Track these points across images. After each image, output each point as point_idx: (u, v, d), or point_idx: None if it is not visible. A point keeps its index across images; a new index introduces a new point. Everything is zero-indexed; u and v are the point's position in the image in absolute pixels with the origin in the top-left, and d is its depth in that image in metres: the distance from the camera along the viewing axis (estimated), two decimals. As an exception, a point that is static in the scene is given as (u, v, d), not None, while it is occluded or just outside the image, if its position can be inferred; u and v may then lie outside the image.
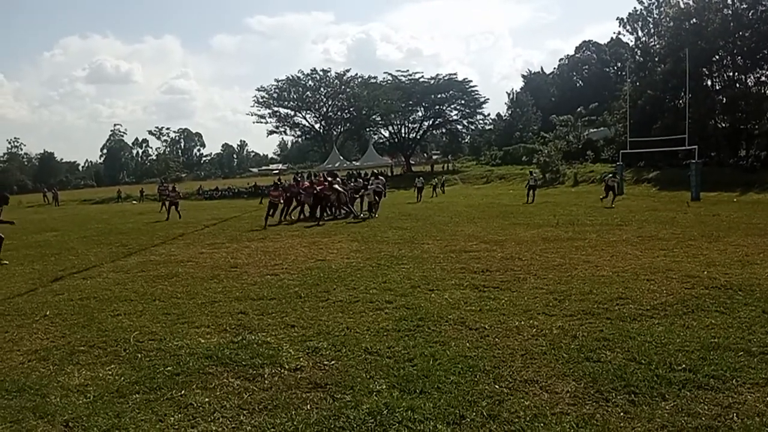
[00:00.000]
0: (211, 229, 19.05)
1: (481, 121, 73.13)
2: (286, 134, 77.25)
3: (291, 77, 68.44)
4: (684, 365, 4.94)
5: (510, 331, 6.12)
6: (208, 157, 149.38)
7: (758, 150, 34.92)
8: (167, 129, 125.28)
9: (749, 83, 38.04)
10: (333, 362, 5.36)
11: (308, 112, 70.83)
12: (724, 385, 4.56)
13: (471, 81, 71.04)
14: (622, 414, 4.14)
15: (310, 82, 68.73)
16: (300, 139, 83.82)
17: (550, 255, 10.91)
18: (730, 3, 37.38)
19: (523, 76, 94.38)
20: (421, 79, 68.22)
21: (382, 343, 5.80)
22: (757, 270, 8.95)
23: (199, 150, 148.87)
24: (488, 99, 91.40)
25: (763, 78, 38.13)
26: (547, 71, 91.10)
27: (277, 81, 69.05)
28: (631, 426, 3.96)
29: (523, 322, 6.40)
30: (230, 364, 5.37)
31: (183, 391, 4.79)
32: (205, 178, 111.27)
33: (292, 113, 70.91)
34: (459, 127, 73.15)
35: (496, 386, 4.67)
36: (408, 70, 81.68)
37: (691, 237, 12.94)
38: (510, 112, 77.28)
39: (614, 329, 6.01)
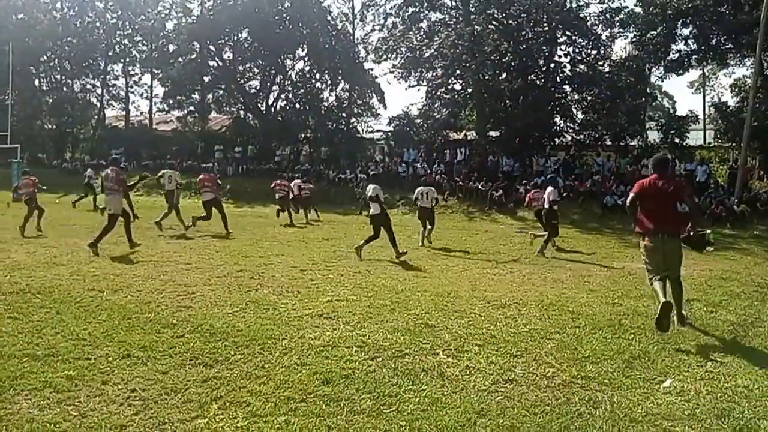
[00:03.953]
0: None
1: None
2: None
3: None
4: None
5: None
6: None
7: (83, 153, 36.57)
8: None
9: (76, 88, 39.34)
10: None
11: None
12: (0, 396, 4.35)
13: None
14: None
15: None
16: None
17: None
18: (60, 7, 37.90)
19: None
20: None
21: None
22: (62, 271, 9.09)
23: None
24: None
25: (89, 86, 40.19)
26: None
27: None
28: None
29: None
30: None
31: None
32: None
33: None
34: None
35: None
36: None
37: (1, 239, 12.25)
38: None
39: None
